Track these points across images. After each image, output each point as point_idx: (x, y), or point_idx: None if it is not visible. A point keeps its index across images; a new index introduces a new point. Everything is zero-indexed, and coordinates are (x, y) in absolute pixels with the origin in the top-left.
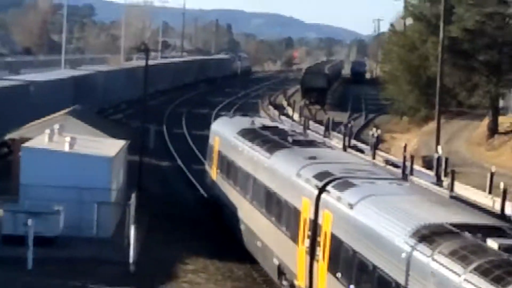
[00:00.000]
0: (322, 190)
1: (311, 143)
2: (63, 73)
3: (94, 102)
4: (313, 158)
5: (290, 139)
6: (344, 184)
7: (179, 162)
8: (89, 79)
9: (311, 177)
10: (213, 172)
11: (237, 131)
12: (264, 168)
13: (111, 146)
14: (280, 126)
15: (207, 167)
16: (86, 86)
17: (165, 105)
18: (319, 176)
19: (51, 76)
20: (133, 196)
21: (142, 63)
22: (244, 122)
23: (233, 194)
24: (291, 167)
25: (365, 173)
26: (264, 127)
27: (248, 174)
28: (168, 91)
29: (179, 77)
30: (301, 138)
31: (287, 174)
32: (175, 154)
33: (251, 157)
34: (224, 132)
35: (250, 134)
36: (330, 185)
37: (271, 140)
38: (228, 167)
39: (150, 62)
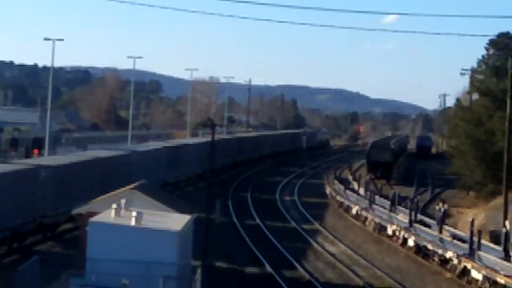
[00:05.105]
0: None
1: None
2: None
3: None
4: None
5: None
6: None
7: (246, 238)
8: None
9: None
10: None
11: None
12: None
13: (177, 221)
14: None
15: None
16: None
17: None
18: None
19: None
20: (199, 271)
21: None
22: None
23: None
24: None
25: None
26: None
27: None
28: (272, 155)
29: (278, 145)
30: None
31: None
32: (241, 230)
33: None
34: None
35: None
36: None
37: None
38: None
39: (251, 134)
